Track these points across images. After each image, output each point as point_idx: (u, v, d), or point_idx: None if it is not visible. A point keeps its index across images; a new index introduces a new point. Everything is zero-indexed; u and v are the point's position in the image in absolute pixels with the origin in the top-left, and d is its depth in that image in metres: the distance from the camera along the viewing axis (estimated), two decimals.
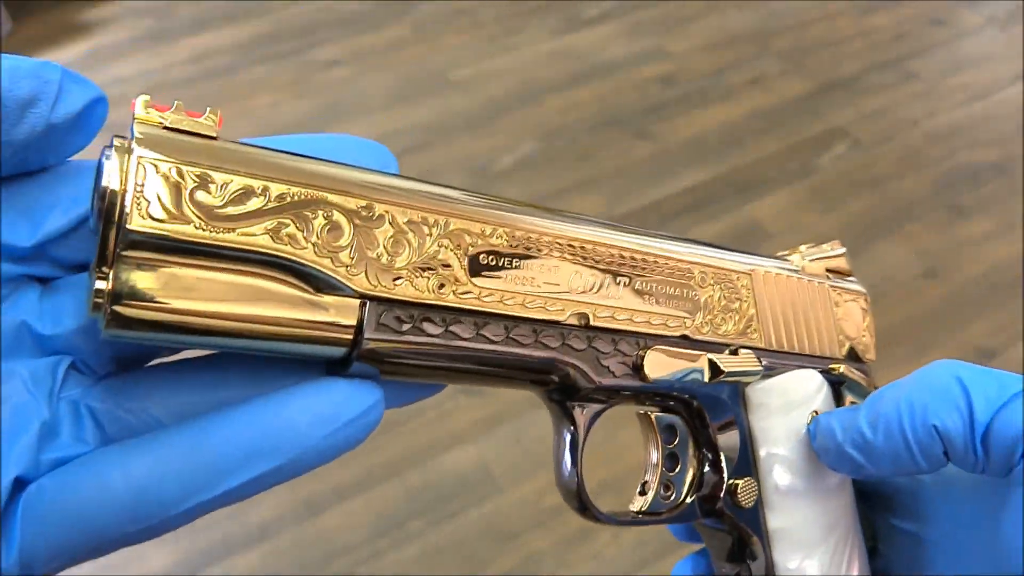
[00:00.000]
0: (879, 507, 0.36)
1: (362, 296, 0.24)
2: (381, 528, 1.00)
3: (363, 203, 0.24)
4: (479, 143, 1.50)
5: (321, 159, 0.25)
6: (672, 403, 0.33)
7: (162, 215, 0.22)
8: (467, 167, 1.45)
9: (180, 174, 0.22)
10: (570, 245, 0.28)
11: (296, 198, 0.23)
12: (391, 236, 0.25)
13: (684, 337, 0.31)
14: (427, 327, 0.25)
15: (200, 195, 0.22)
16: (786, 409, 0.33)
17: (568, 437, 0.31)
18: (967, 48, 1.71)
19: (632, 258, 0.30)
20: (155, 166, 0.22)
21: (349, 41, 1.73)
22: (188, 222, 0.22)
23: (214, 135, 0.23)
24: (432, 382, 0.28)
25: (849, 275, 0.39)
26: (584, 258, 0.28)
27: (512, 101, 1.58)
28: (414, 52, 1.69)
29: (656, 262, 0.30)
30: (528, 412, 1.08)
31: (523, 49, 1.69)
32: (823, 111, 1.56)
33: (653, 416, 0.34)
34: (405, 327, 0.25)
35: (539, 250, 0.27)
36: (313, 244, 0.23)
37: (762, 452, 0.33)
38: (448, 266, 0.25)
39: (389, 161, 0.27)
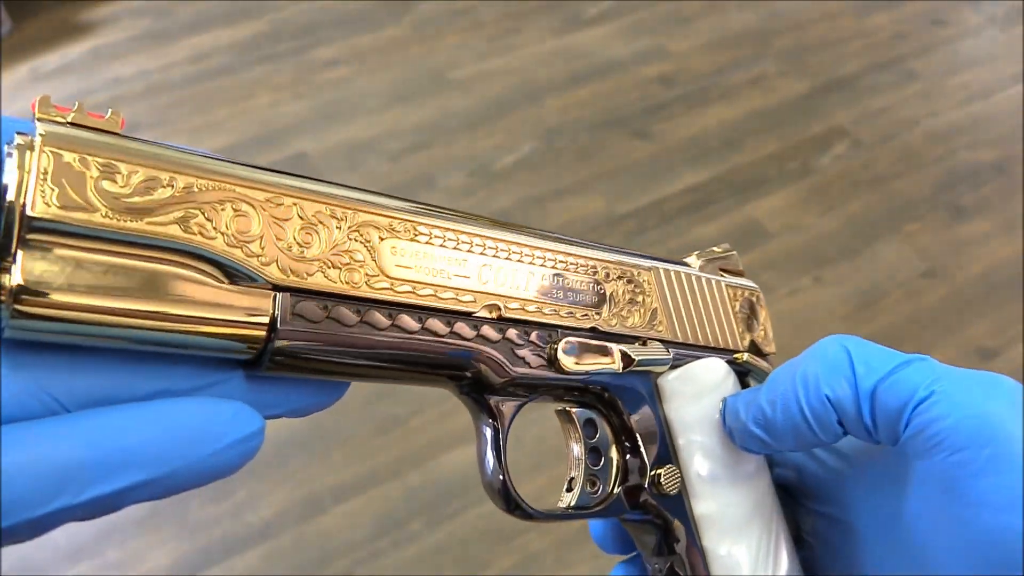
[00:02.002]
0: (803, 497, 0.37)
1: (275, 287, 0.24)
2: (381, 528, 1.00)
3: (270, 195, 0.25)
4: (479, 143, 1.50)
5: (227, 159, 0.25)
6: (589, 397, 0.34)
7: (67, 203, 0.21)
8: (467, 167, 1.45)
9: (84, 163, 0.22)
10: (476, 241, 0.29)
11: (203, 189, 0.23)
12: (300, 228, 0.25)
13: (593, 330, 0.32)
14: (342, 317, 0.26)
15: (106, 184, 0.22)
16: (698, 396, 0.34)
17: (489, 432, 0.31)
18: (967, 48, 1.71)
19: (539, 255, 0.31)
20: (58, 155, 0.22)
21: (349, 41, 1.73)
22: (95, 210, 0.22)
23: (117, 131, 0.23)
24: (345, 378, 0.28)
25: (741, 275, 0.40)
26: (492, 254, 0.30)
27: (512, 101, 1.58)
28: (414, 52, 1.69)
29: (563, 259, 0.32)
30: (528, 412, 1.08)
31: (523, 49, 1.69)
32: (823, 111, 1.56)
33: (573, 411, 0.35)
34: (319, 317, 0.25)
35: (446, 243, 0.28)
36: (223, 234, 0.24)
37: (680, 440, 0.34)
38: (358, 257, 0.26)
39: None
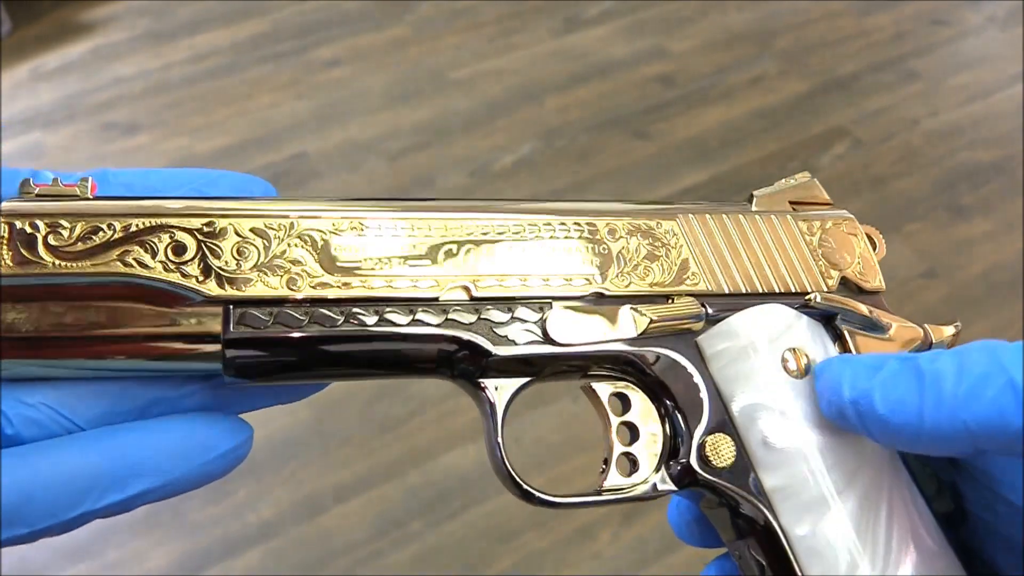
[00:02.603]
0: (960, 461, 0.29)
1: (216, 301, 0.27)
2: (381, 528, 1.00)
3: (204, 221, 0.27)
4: (479, 143, 1.50)
5: (168, 196, 0.28)
6: (614, 370, 0.30)
7: (20, 260, 0.26)
8: (467, 167, 1.45)
9: (34, 227, 0.26)
10: (435, 226, 0.29)
11: (140, 226, 0.27)
12: (235, 245, 0.27)
13: (599, 295, 0.29)
14: (288, 321, 0.27)
15: (51, 239, 0.26)
16: (748, 352, 0.29)
17: (488, 418, 0.30)
18: (967, 48, 1.71)
19: (515, 227, 0.29)
20: (11, 224, 0.26)
21: (349, 41, 1.73)
22: (44, 263, 0.26)
23: (86, 195, 0.28)
24: (317, 379, 0.29)
25: (826, 204, 0.35)
26: (456, 236, 0.29)
27: (512, 101, 1.58)
28: (414, 52, 1.69)
29: (548, 226, 0.30)
30: (528, 412, 1.08)
31: (523, 49, 1.69)
32: (823, 111, 1.56)
33: (594, 386, 0.31)
34: (266, 323, 0.27)
35: (398, 233, 0.28)
36: (161, 263, 0.27)
37: (734, 406, 0.29)
38: (299, 262, 0.27)
39: (269, 190, 0.31)
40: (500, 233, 0.29)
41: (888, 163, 1.46)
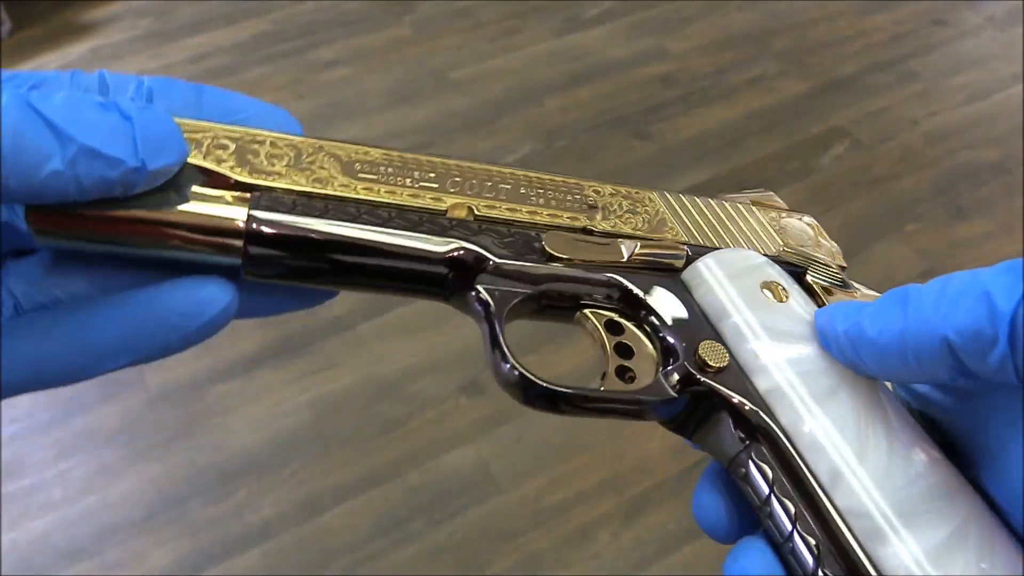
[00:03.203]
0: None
1: (242, 187, 0.28)
2: (381, 528, 1.00)
3: (244, 131, 0.29)
4: (479, 143, 1.50)
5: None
6: (605, 299, 0.30)
7: None
8: None
9: None
10: (451, 168, 0.30)
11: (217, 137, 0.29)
12: (268, 151, 0.29)
13: (585, 230, 0.31)
14: (309, 209, 0.28)
15: None
16: (733, 277, 0.30)
17: (486, 326, 0.28)
18: (967, 48, 1.71)
19: (511, 177, 0.31)
20: None
21: (349, 41, 1.73)
22: None
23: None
24: (319, 284, 0.29)
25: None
26: (467, 179, 0.30)
27: (512, 101, 1.58)
28: (414, 52, 1.69)
29: (538, 179, 0.31)
30: (528, 412, 1.08)
31: (523, 49, 1.69)
32: (823, 111, 1.56)
33: (587, 312, 0.31)
34: (289, 207, 0.28)
35: (418, 167, 0.30)
36: (204, 155, 0.28)
37: (723, 325, 0.29)
38: (324, 168, 0.29)
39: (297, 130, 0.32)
40: (501, 180, 0.31)
41: (888, 163, 1.46)
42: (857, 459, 0.25)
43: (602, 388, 0.28)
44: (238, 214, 0.27)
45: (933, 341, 0.23)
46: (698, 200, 0.34)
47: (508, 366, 0.27)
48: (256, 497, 1.04)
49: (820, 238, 0.35)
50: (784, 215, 0.35)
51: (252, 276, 0.28)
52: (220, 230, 0.27)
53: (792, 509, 0.25)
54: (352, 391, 1.14)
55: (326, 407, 1.12)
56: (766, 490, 0.26)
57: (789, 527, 0.25)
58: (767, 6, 1.80)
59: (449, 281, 0.29)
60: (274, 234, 0.27)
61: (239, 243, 0.27)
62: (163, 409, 1.13)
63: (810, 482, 0.25)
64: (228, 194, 0.27)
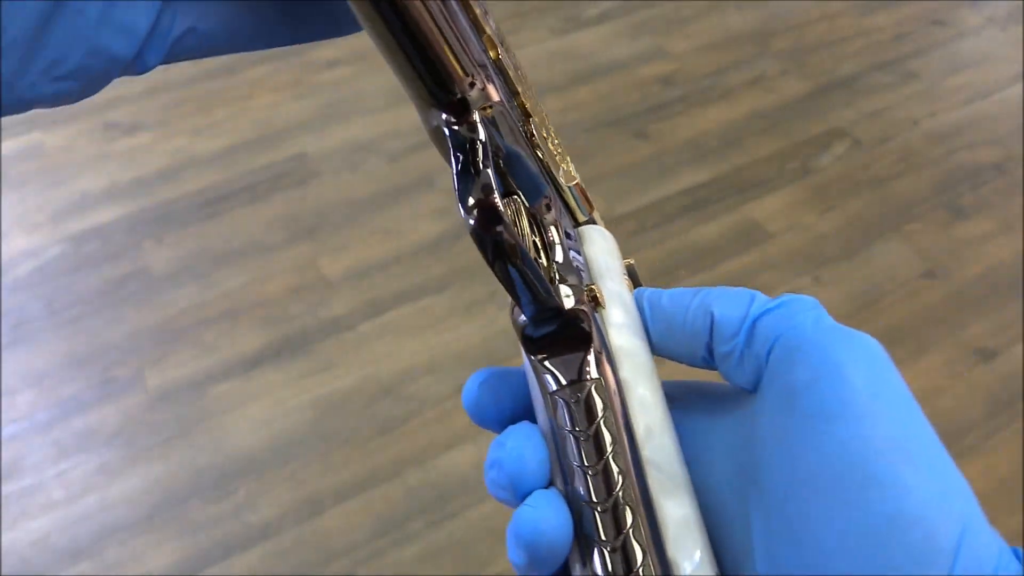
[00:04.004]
0: None
1: None
2: (381, 528, 1.00)
3: None
4: None
5: None
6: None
7: None
8: None
9: None
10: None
11: None
12: None
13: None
14: None
15: None
16: (615, 252, 0.31)
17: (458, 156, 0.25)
18: (967, 48, 1.71)
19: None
20: None
21: (349, 41, 1.73)
22: None
23: None
24: None
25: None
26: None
27: None
28: None
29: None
30: None
31: (523, 49, 1.69)
32: (823, 111, 1.56)
33: (519, 200, 0.29)
34: None
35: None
36: None
37: (603, 283, 0.29)
38: None
39: None
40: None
41: (888, 163, 1.46)
42: (661, 428, 0.27)
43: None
44: None
45: (702, 313, 0.27)
46: None
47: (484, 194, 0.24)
48: (256, 497, 1.03)
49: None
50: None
51: None
52: None
53: (610, 440, 0.26)
54: (352, 391, 1.14)
55: (326, 407, 1.12)
56: (587, 422, 0.26)
57: (597, 458, 0.26)
58: (767, 6, 1.80)
59: (454, 101, 0.26)
60: None
61: None
62: (163, 409, 1.13)
63: (630, 428, 0.26)
64: None
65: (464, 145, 0.25)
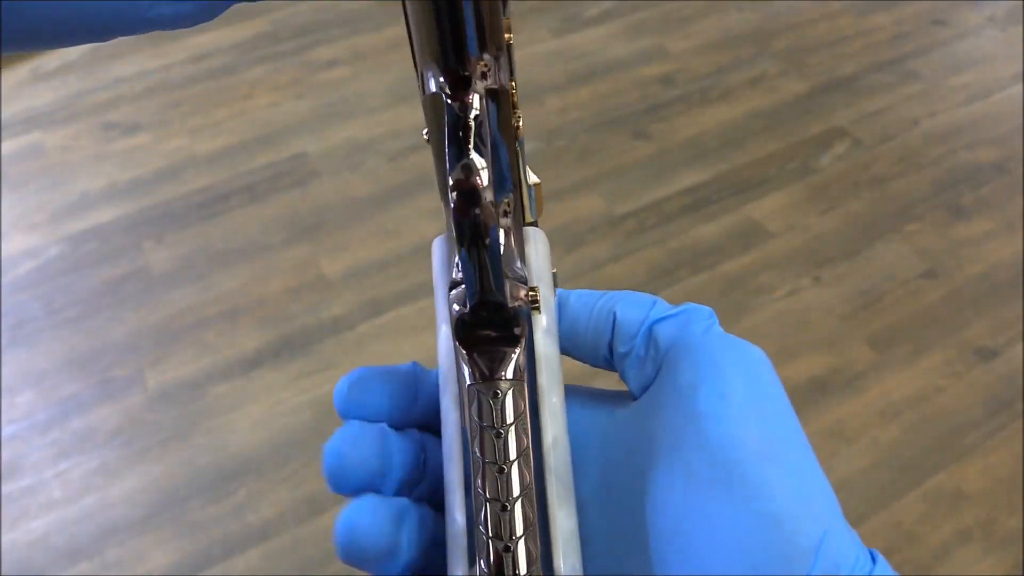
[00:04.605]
0: None
1: None
2: None
3: None
4: None
5: None
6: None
7: None
8: None
9: None
10: None
11: None
12: None
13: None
14: None
15: None
16: (547, 256, 0.31)
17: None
18: (967, 48, 1.71)
19: None
20: None
21: (349, 41, 1.73)
22: None
23: None
24: None
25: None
26: None
27: None
28: None
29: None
30: None
31: (523, 49, 1.69)
32: (823, 111, 1.56)
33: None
34: None
35: None
36: None
37: (535, 288, 0.29)
38: None
39: None
40: None
41: (888, 163, 1.46)
42: (563, 439, 0.27)
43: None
44: None
45: (606, 313, 0.28)
46: None
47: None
48: (256, 497, 1.03)
49: None
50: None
51: None
52: None
53: (523, 443, 0.26)
54: None
55: (326, 407, 1.12)
56: (502, 420, 0.26)
57: (506, 457, 0.26)
58: (767, 6, 1.80)
59: (462, 74, 0.25)
60: None
61: None
62: (163, 409, 1.13)
63: (539, 435, 0.26)
64: None
65: (458, 120, 0.25)
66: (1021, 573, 0.99)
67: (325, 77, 1.65)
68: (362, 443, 0.28)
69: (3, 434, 1.11)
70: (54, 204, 1.43)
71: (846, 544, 0.22)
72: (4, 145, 1.54)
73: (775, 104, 1.57)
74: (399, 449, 0.28)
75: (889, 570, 0.22)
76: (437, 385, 0.29)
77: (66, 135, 1.56)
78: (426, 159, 1.47)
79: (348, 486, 0.28)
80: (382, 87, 1.62)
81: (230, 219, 1.39)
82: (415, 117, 1.55)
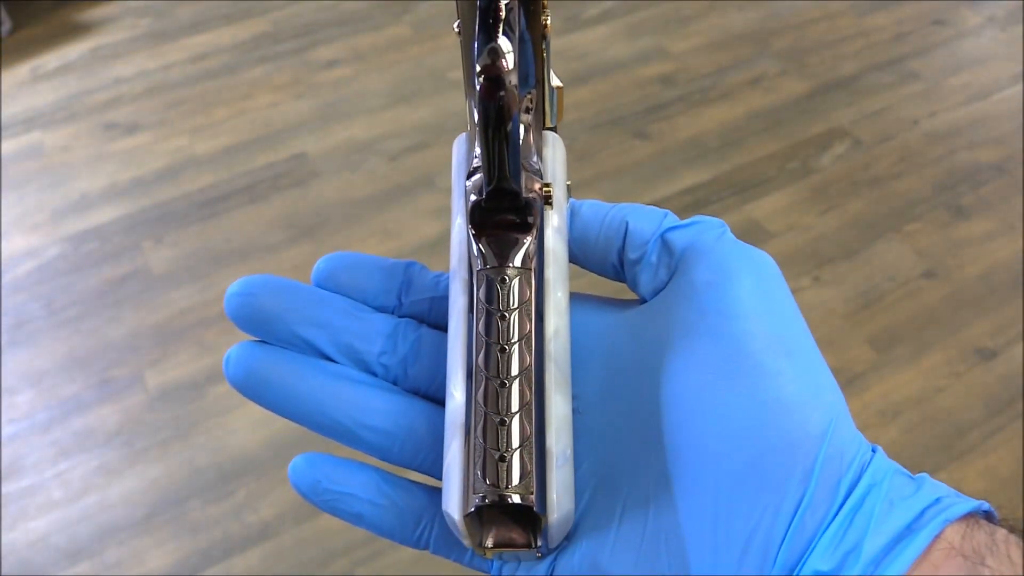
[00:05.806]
0: None
1: None
2: None
3: None
4: None
5: None
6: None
7: None
8: None
9: None
10: None
11: None
12: None
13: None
14: None
15: None
16: (564, 163, 0.32)
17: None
18: (967, 48, 1.71)
19: None
20: None
21: (349, 41, 1.73)
22: None
23: None
24: None
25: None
26: None
27: None
28: (414, 52, 1.69)
29: None
30: None
31: None
32: (823, 111, 1.56)
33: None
34: None
35: None
36: None
37: (552, 189, 0.30)
38: None
39: None
40: None
41: (888, 163, 1.46)
42: (564, 332, 0.28)
43: None
44: None
45: (617, 222, 0.28)
46: None
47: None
48: (256, 497, 1.03)
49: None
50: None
51: None
52: None
53: (527, 326, 0.27)
54: None
55: None
56: (508, 304, 0.27)
57: (508, 337, 0.27)
58: (767, 6, 1.80)
59: None
60: None
61: None
62: (163, 409, 1.13)
63: (542, 323, 0.27)
64: None
65: (489, 6, 0.25)
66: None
67: (325, 77, 1.65)
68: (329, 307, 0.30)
69: (3, 434, 1.11)
70: (54, 204, 1.43)
71: (851, 433, 0.23)
72: (4, 145, 1.54)
73: (775, 104, 1.57)
74: (374, 319, 0.30)
75: (888, 461, 0.23)
76: (433, 282, 0.30)
77: (66, 135, 1.56)
78: (426, 159, 1.48)
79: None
80: (382, 87, 1.62)
81: (230, 219, 1.39)
82: (415, 117, 1.55)
